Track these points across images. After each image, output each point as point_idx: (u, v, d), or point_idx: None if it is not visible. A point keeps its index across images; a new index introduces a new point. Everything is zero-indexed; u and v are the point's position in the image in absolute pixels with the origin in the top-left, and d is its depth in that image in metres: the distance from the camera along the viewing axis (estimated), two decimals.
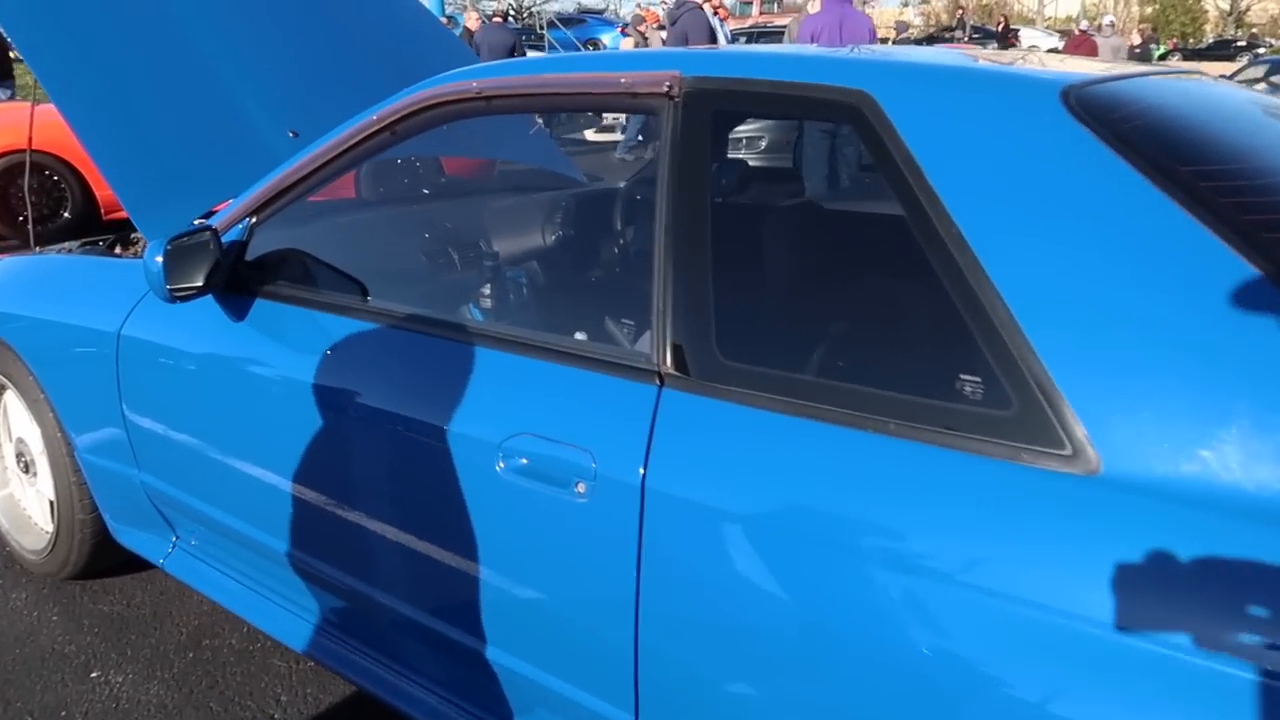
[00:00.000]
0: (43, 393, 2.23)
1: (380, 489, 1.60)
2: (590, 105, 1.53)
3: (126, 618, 2.33)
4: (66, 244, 2.73)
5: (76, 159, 6.37)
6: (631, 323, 1.66)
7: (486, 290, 2.11)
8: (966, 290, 1.07)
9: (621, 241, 2.40)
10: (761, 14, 23.78)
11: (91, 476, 2.19)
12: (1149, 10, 46.24)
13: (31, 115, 2.83)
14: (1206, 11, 45.62)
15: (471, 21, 9.88)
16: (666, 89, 1.37)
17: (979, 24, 27.54)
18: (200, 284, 1.75)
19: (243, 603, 1.97)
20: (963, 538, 1.00)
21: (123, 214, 6.63)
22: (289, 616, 1.91)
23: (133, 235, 2.81)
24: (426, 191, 2.80)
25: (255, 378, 1.77)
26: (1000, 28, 21.53)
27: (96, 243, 2.71)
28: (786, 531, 1.12)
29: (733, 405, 1.20)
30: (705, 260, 1.27)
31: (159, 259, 1.68)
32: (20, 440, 2.45)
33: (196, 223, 2.32)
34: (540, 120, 3.28)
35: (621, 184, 2.98)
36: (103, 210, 6.53)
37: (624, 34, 18.21)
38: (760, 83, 1.31)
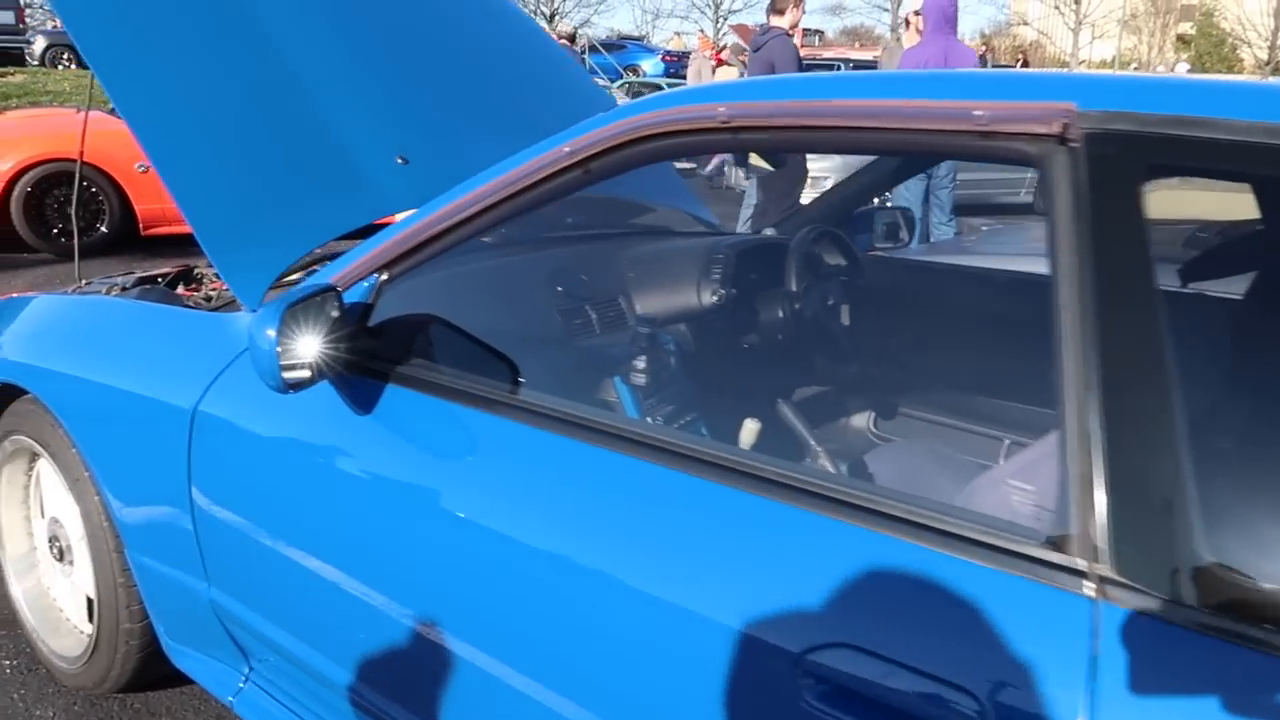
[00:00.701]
0: (86, 470, 1.79)
1: (570, 671, 1.15)
2: (911, 147, 1.08)
3: None
4: (117, 279, 2.29)
5: (116, 170, 6.00)
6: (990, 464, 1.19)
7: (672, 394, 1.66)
8: None
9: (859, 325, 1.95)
10: (803, 47, 23.32)
11: (144, 582, 1.74)
12: (1185, 56, 45.75)
13: (85, 124, 2.41)
14: (1242, 59, 45.16)
15: None
16: (1059, 129, 0.92)
17: (1005, 65, 27.28)
18: (313, 360, 1.30)
19: None
20: None
21: (162, 229, 6.27)
22: None
23: (196, 270, 2.38)
24: (583, 236, 2.34)
25: (384, 494, 1.32)
26: (1020, 66, 21.23)
27: (155, 280, 2.27)
28: None
29: (1256, 654, 0.74)
30: (1167, 388, 0.81)
31: (271, 332, 1.22)
32: (55, 520, 2.00)
33: (292, 273, 1.90)
34: None
35: (773, 232, 2.53)
36: (141, 225, 6.14)
37: (669, 66, 17.86)
38: (1245, 127, 0.85)
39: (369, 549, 1.35)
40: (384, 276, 1.41)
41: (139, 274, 2.36)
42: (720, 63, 11.37)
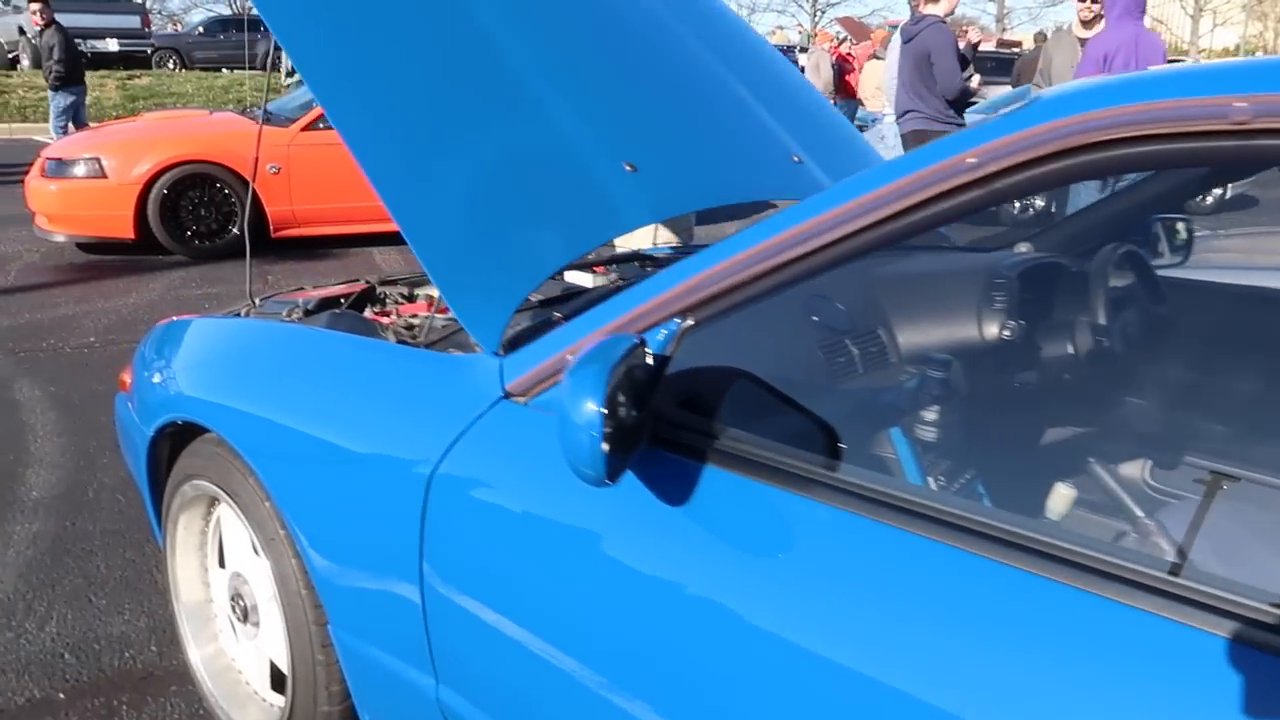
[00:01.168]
0: (283, 528, 1.55)
1: None
2: None
3: None
4: (297, 299, 2.05)
5: (249, 172, 5.92)
6: None
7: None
8: None
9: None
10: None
11: (351, 666, 1.49)
12: None
13: (259, 141, 2.19)
14: None
15: None
16: None
17: None
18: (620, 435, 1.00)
19: None
20: None
21: (291, 232, 6.17)
22: None
23: (379, 289, 2.13)
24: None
25: (678, 595, 1.03)
26: None
27: (337, 302, 2.03)
28: None
29: None
30: None
31: (592, 406, 0.93)
32: (237, 576, 1.77)
33: (546, 311, 1.62)
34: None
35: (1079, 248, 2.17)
36: (272, 227, 6.06)
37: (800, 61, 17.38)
38: None
39: (654, 657, 1.05)
40: (688, 322, 1.11)
41: (318, 293, 2.13)
42: (852, 60, 10.79)
